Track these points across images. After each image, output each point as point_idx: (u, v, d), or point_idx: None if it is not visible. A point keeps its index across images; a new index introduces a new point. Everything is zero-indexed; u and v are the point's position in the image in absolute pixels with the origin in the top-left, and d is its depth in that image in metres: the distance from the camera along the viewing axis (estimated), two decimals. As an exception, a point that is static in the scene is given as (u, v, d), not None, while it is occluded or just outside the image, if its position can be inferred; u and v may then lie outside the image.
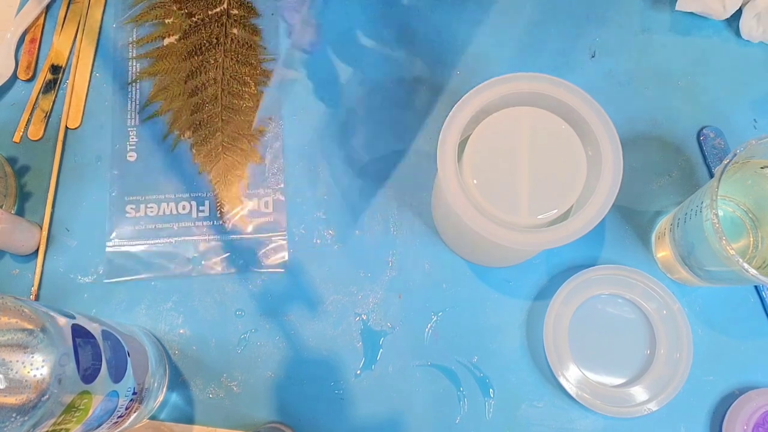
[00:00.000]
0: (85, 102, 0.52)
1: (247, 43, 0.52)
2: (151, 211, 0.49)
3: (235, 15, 0.53)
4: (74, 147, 0.51)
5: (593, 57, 0.52)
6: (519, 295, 0.47)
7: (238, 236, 0.49)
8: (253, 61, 0.52)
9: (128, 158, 0.50)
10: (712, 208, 0.36)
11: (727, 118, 0.50)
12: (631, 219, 0.48)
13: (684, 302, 0.46)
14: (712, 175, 0.49)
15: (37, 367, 0.29)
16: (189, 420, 0.45)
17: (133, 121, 0.51)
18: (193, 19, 0.53)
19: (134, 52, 0.53)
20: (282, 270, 0.48)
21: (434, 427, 0.45)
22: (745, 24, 0.50)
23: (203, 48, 0.52)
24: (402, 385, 0.46)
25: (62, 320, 0.32)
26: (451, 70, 0.51)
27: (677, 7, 0.51)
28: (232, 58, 0.52)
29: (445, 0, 0.53)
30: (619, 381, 0.45)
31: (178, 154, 0.50)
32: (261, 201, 0.49)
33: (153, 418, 0.45)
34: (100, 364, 0.34)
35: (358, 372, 0.46)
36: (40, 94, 0.52)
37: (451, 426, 0.45)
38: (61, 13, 0.54)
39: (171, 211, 0.49)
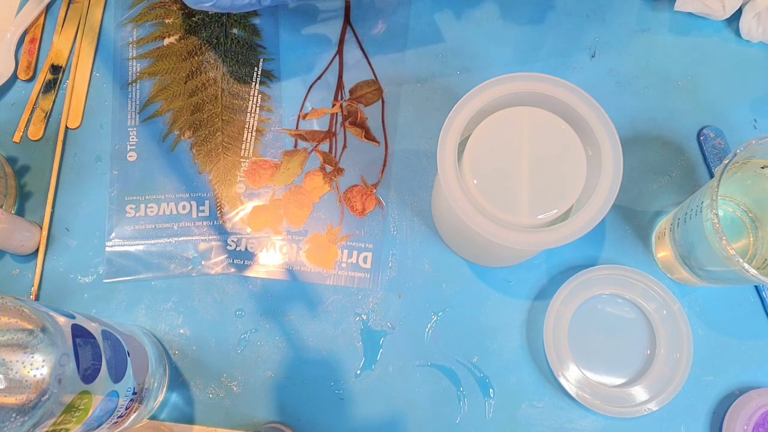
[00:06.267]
0: (85, 102, 0.52)
1: (247, 43, 0.53)
2: (151, 211, 0.49)
3: (235, 15, 0.53)
4: (74, 147, 0.51)
5: (593, 57, 0.52)
6: (519, 295, 0.47)
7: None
8: (253, 61, 0.52)
9: (128, 158, 0.50)
10: (712, 208, 0.36)
11: (727, 118, 0.50)
12: (631, 219, 0.48)
13: (684, 302, 0.46)
14: (712, 175, 0.49)
15: (37, 367, 0.29)
16: (189, 420, 0.45)
17: (133, 121, 0.51)
18: (193, 19, 0.53)
19: (134, 52, 0.53)
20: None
21: (434, 427, 0.45)
22: (745, 24, 0.50)
23: (203, 48, 0.52)
24: (402, 385, 0.46)
25: (62, 320, 0.32)
26: (451, 70, 0.51)
27: (676, 8, 0.51)
28: (232, 58, 0.52)
29: (445, 0, 0.53)
30: (619, 381, 0.45)
31: (178, 154, 0.50)
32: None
33: (153, 418, 0.45)
34: (100, 364, 0.34)
35: (358, 372, 0.46)
36: (40, 94, 0.52)
37: (451, 426, 0.45)
38: (61, 13, 0.54)
39: (171, 211, 0.49)
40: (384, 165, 0.49)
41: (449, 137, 0.38)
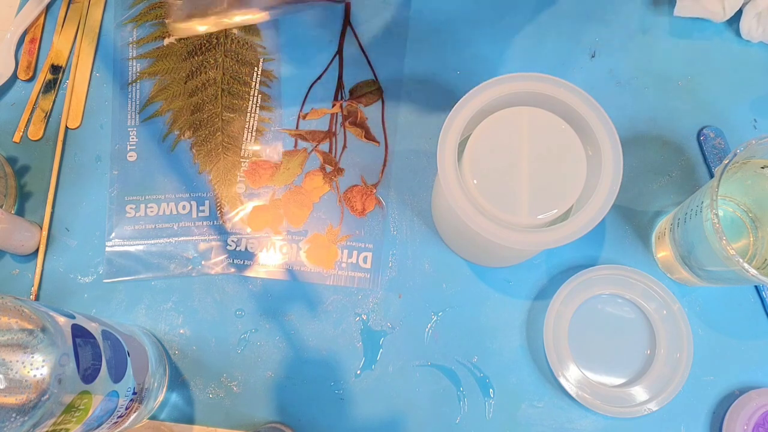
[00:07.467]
0: (85, 102, 0.52)
1: (247, 43, 0.53)
2: (151, 211, 0.49)
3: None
4: (74, 147, 0.51)
5: (593, 57, 0.52)
6: (519, 295, 0.47)
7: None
8: (253, 61, 0.52)
9: (128, 158, 0.50)
10: (712, 208, 0.36)
11: (727, 118, 0.50)
12: (631, 219, 0.48)
13: (684, 302, 0.46)
14: (712, 175, 0.49)
15: (37, 367, 0.29)
16: (189, 420, 0.45)
17: (133, 121, 0.51)
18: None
19: (134, 52, 0.53)
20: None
21: (434, 427, 0.45)
22: (745, 24, 0.50)
23: (203, 48, 0.52)
24: (402, 385, 0.46)
25: (62, 320, 0.32)
26: (451, 70, 0.51)
27: (675, 14, 0.51)
28: (232, 58, 0.52)
29: (445, 0, 0.53)
30: (619, 381, 0.45)
31: (178, 154, 0.50)
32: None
33: (153, 418, 0.45)
34: (100, 364, 0.34)
35: (358, 372, 0.46)
36: (40, 94, 0.52)
37: (451, 426, 0.45)
38: (61, 13, 0.54)
39: (171, 211, 0.49)
40: (384, 165, 0.50)
41: (449, 137, 0.38)
